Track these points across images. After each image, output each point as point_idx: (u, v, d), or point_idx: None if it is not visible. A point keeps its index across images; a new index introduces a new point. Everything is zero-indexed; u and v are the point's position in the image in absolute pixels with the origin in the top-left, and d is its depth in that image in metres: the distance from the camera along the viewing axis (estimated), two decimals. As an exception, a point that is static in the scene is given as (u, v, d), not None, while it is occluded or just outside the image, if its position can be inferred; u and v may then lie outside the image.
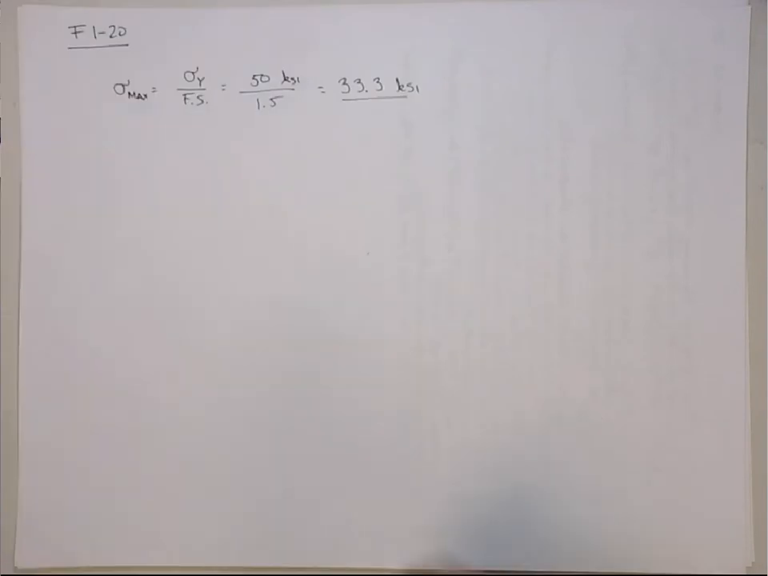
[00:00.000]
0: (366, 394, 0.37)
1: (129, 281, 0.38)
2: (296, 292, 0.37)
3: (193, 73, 0.38)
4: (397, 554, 0.37)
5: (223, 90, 0.38)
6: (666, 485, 0.37)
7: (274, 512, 0.37)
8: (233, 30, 0.38)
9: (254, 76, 0.38)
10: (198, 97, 0.38)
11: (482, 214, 0.38)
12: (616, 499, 0.37)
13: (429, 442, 0.37)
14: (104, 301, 0.38)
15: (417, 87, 0.38)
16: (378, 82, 0.38)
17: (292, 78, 0.38)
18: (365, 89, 0.38)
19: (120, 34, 0.38)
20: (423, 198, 0.38)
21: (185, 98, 0.38)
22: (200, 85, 0.38)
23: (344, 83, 0.38)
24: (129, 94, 0.38)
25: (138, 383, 0.38)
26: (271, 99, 0.38)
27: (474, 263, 0.38)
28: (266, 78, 0.38)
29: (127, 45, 0.38)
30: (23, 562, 0.38)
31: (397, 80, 0.38)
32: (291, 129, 0.38)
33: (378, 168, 0.38)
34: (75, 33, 0.38)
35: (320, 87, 0.38)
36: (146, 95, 0.38)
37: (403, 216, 0.38)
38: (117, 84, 0.38)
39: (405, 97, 0.38)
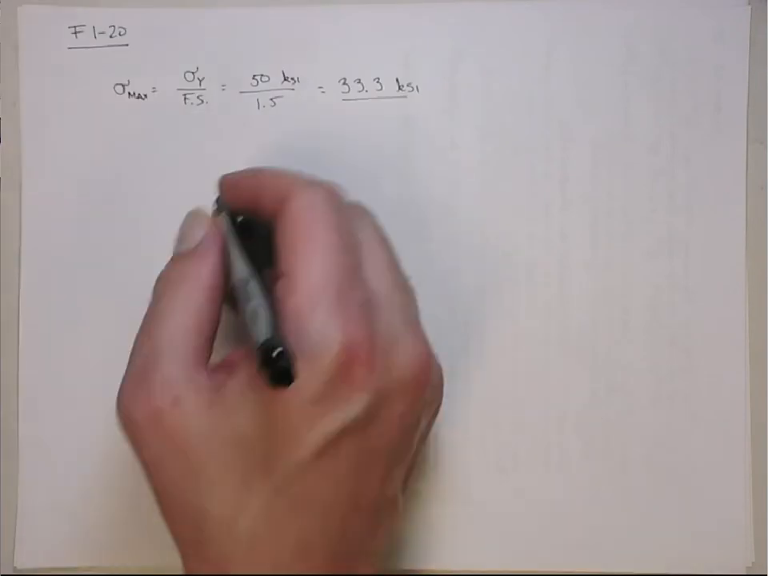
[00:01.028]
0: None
1: (129, 280, 0.38)
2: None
3: (193, 73, 0.38)
4: (396, 554, 0.37)
5: (223, 90, 0.38)
6: (666, 485, 0.37)
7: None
8: (233, 30, 0.38)
9: (254, 76, 0.38)
10: (197, 97, 0.38)
11: (482, 213, 0.38)
12: (616, 499, 0.37)
13: (427, 442, 0.37)
14: (104, 301, 0.38)
15: (417, 87, 0.38)
16: (377, 81, 0.38)
17: (292, 78, 0.38)
18: (365, 89, 0.38)
19: (120, 34, 0.38)
20: (423, 198, 0.38)
21: (185, 98, 0.38)
22: (200, 85, 0.38)
23: (344, 83, 0.38)
24: (129, 94, 0.38)
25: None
26: (271, 99, 0.38)
27: (474, 263, 0.38)
28: (266, 78, 0.38)
29: (127, 45, 0.38)
30: (23, 562, 0.38)
31: (397, 80, 0.38)
32: (291, 129, 0.38)
33: (378, 168, 0.38)
34: (75, 33, 0.38)
35: (320, 87, 0.38)
36: (145, 95, 0.38)
37: (403, 216, 0.38)
38: (117, 84, 0.38)
39: (405, 97, 0.38)
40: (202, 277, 0.30)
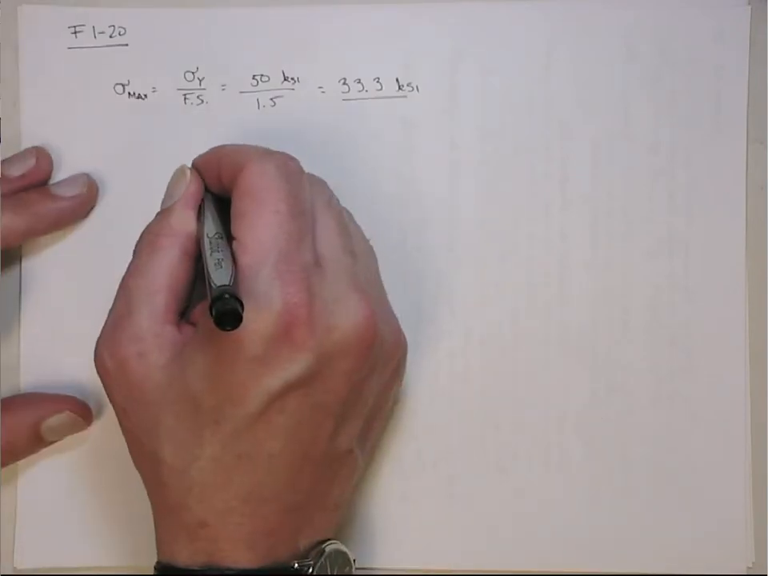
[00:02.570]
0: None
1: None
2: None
3: (193, 73, 0.38)
4: (396, 554, 0.37)
5: (223, 90, 0.38)
6: (666, 485, 0.37)
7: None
8: (233, 30, 0.38)
9: (254, 76, 0.38)
10: (197, 97, 0.38)
11: (482, 213, 0.38)
12: (616, 499, 0.37)
13: (428, 441, 0.37)
14: (104, 301, 0.38)
15: (417, 87, 0.38)
16: (377, 81, 0.38)
17: (292, 78, 0.38)
18: (365, 89, 0.38)
19: (120, 34, 0.38)
20: (423, 197, 0.38)
21: (185, 98, 0.38)
22: (200, 85, 0.38)
23: (344, 83, 0.38)
24: (129, 94, 0.38)
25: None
26: (271, 99, 0.38)
27: (474, 263, 0.38)
28: (266, 78, 0.38)
29: (127, 45, 0.38)
30: (23, 563, 0.38)
31: (397, 80, 0.38)
32: (291, 129, 0.38)
33: (378, 168, 0.38)
34: (75, 33, 0.38)
35: (320, 87, 0.38)
36: (145, 95, 0.38)
37: (403, 216, 0.38)
38: (117, 84, 0.38)
39: (405, 97, 0.38)
40: (177, 233, 0.32)
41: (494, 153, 0.38)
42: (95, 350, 0.32)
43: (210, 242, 0.31)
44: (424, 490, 0.37)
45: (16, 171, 0.36)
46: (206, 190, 0.34)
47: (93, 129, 0.38)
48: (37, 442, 0.36)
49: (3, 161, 0.37)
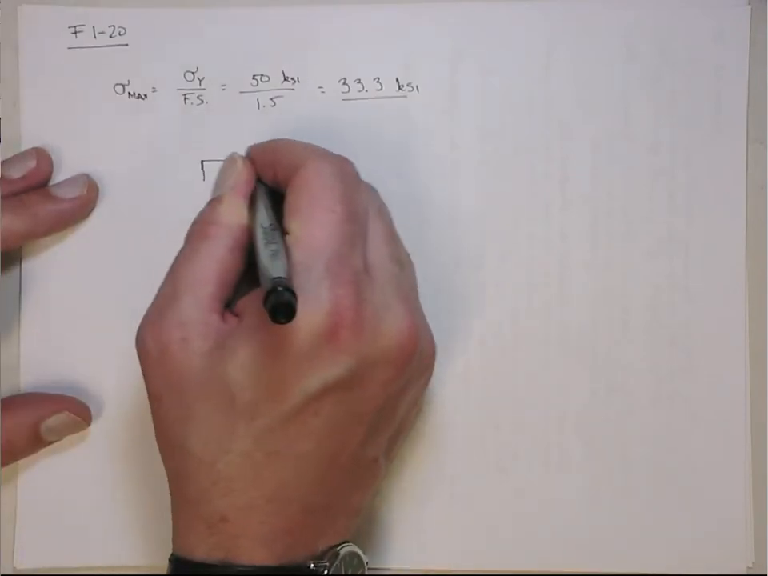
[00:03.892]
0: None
1: (129, 281, 0.38)
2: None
3: (193, 73, 0.38)
4: (396, 554, 0.37)
5: (223, 90, 0.38)
6: (666, 485, 0.37)
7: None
8: (233, 30, 0.38)
9: (254, 76, 0.38)
10: (197, 97, 0.38)
11: (482, 213, 0.38)
12: (616, 499, 0.37)
13: (428, 441, 0.37)
14: (104, 301, 0.38)
15: (417, 87, 0.38)
16: (377, 81, 0.38)
17: (292, 78, 0.38)
18: (365, 89, 0.38)
19: (120, 34, 0.38)
20: (423, 197, 0.38)
21: (185, 98, 0.38)
22: (200, 85, 0.38)
23: (344, 83, 0.38)
24: (129, 94, 0.38)
25: (139, 383, 0.37)
26: (271, 99, 0.38)
27: (474, 263, 0.38)
28: (266, 78, 0.38)
29: (127, 45, 0.38)
30: (23, 563, 0.38)
31: (397, 80, 0.38)
32: (291, 129, 0.38)
33: (378, 168, 0.38)
34: (75, 33, 0.38)
35: (320, 87, 0.38)
36: (145, 95, 0.38)
37: (403, 216, 0.38)
38: (117, 84, 0.38)
39: (405, 97, 0.38)
40: (227, 222, 0.32)
41: (493, 153, 0.38)
42: (137, 333, 0.31)
43: (265, 233, 0.30)
44: (424, 490, 0.37)
45: (16, 173, 0.36)
46: (259, 180, 0.34)
47: (93, 129, 0.38)
48: (36, 442, 0.36)
49: (3, 162, 0.37)
